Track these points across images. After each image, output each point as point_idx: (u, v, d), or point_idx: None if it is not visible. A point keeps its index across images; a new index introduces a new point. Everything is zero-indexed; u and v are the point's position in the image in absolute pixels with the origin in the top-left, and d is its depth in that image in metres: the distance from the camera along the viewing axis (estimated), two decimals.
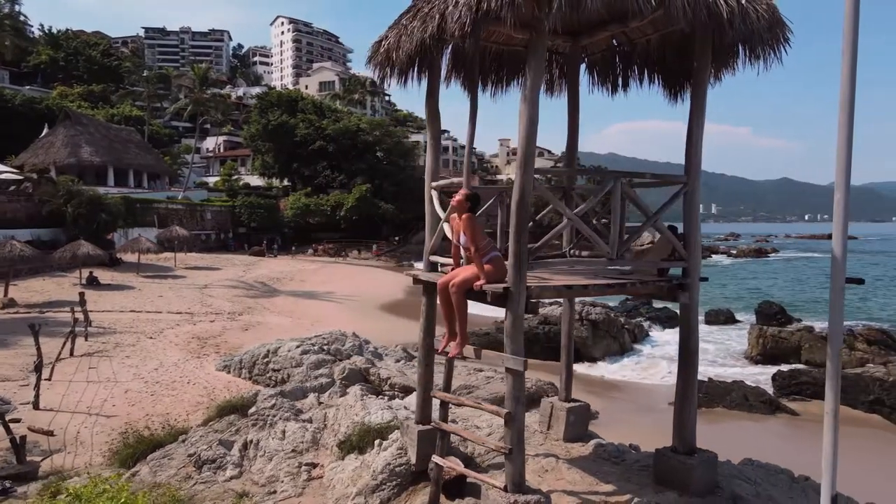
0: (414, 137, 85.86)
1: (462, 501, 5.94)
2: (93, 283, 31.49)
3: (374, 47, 6.32)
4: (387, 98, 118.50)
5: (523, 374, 5.12)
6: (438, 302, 5.75)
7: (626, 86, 7.32)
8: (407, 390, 13.19)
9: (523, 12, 4.55)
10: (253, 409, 8.44)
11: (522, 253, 5.06)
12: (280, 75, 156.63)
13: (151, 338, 21.93)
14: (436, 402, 6.51)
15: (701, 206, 6.07)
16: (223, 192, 67.51)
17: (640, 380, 20.38)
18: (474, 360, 23.09)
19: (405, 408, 8.46)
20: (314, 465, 7.22)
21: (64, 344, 17.13)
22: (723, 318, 32.81)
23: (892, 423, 16.67)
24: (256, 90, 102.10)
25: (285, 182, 71.33)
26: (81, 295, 21.55)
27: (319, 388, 9.74)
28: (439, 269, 6.69)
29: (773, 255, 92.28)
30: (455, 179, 6.28)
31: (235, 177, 72.18)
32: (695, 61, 5.86)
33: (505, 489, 5.06)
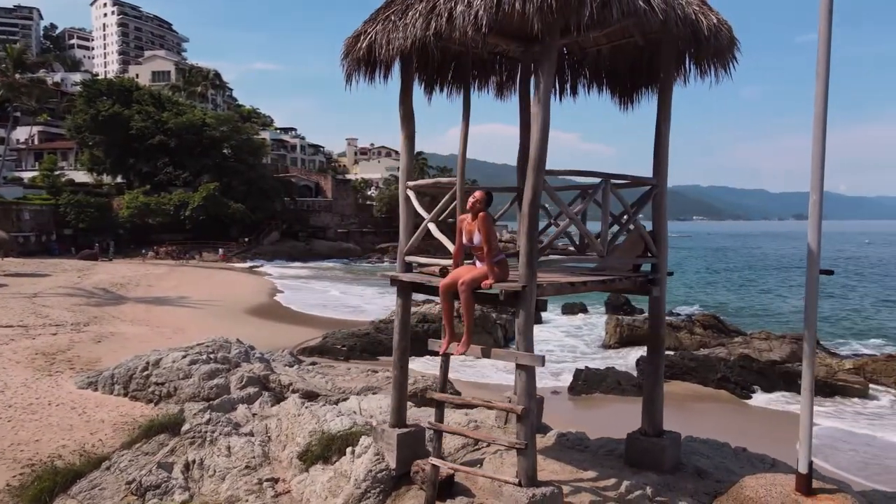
0: (261, 134, 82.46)
1: (453, 501, 5.93)
2: None
3: (350, 42, 6.09)
4: (228, 93, 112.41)
5: (535, 370, 5.25)
6: (439, 303, 5.69)
7: (574, 92, 7.70)
8: (310, 395, 12.74)
9: (552, 17, 4.67)
10: (186, 427, 7.69)
11: (533, 252, 5.18)
12: (104, 61, 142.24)
13: None
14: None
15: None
16: (43, 190, 60.05)
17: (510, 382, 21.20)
18: (371, 363, 22.71)
19: (355, 412, 8.22)
20: (276, 480, 6.78)
21: None
22: (577, 309, 35.29)
23: (736, 397, 19.04)
24: (77, 76, 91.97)
25: (119, 179, 65.13)
26: None
27: (247, 398, 9.12)
28: (413, 270, 6.61)
29: None
30: (442, 179, 6.23)
31: (58, 172, 64.54)
32: (661, 72, 6.35)
33: (519, 484, 5.15)
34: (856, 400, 19.12)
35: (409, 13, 5.53)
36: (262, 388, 13.15)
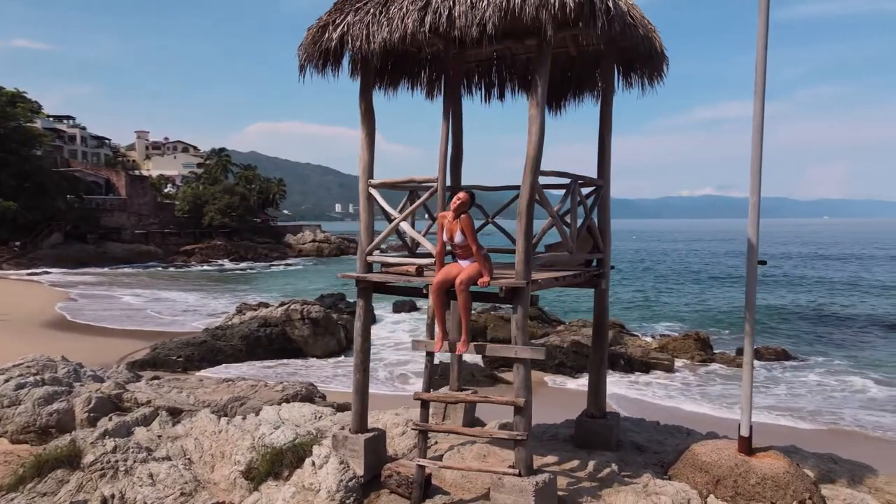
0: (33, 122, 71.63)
1: (432, 500, 5.90)
2: None
3: (317, 31, 5.75)
4: None
5: (530, 364, 5.42)
6: (431, 302, 5.61)
7: (501, 96, 7.98)
8: (174, 412, 11.65)
9: (567, 24, 4.87)
10: (90, 458, 6.56)
11: (529, 250, 5.35)
12: None
13: None
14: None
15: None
16: None
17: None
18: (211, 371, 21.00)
19: (284, 423, 7.66)
20: None
21: None
22: (407, 307, 36.04)
23: (572, 378, 20.97)
24: None
25: None
26: None
27: (143, 419, 8.02)
28: (374, 270, 6.41)
29: None
30: (417, 178, 6.09)
31: None
32: (601, 82, 6.87)
33: (519, 474, 5.29)
34: (660, 373, 22.34)
35: (392, 7, 5.39)
36: (115, 409, 11.67)
